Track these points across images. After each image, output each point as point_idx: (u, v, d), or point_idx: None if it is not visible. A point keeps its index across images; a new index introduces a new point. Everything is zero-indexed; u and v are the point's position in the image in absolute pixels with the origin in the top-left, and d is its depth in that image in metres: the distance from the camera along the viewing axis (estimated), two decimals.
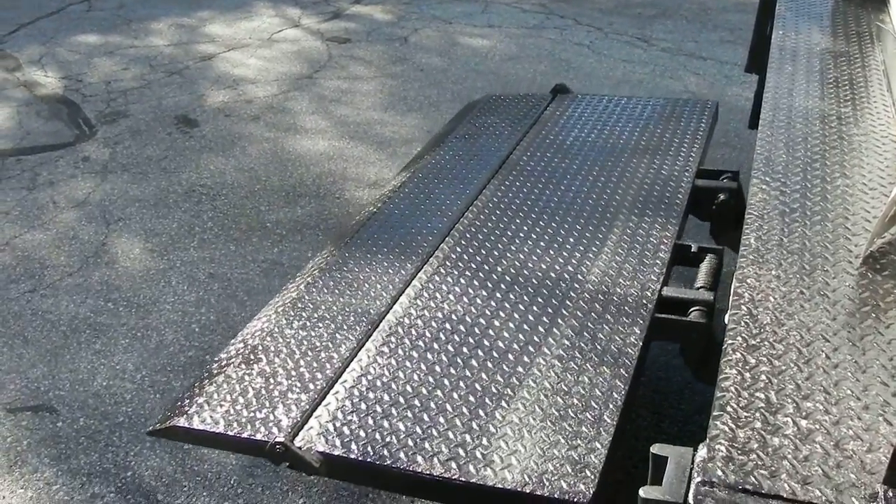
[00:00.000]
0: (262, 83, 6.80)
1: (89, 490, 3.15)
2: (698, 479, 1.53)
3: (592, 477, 2.04)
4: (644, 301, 2.68)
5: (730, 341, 1.88)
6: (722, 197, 3.34)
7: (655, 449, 1.65)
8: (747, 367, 1.79)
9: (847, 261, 2.15)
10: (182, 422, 2.37)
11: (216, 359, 2.72)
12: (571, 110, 4.15)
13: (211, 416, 2.37)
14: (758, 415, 1.66)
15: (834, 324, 1.92)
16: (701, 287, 2.73)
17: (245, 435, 2.28)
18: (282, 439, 2.20)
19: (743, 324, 1.93)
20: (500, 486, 2.05)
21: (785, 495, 1.48)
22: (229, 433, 2.31)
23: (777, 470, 1.53)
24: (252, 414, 2.35)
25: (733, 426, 1.64)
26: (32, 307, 4.19)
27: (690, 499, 1.50)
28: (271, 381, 2.48)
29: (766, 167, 2.63)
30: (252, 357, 2.60)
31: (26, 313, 4.15)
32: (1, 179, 5.39)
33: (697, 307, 2.63)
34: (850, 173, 2.57)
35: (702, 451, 1.59)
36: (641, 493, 1.54)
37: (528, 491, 2.03)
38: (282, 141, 5.87)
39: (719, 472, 1.53)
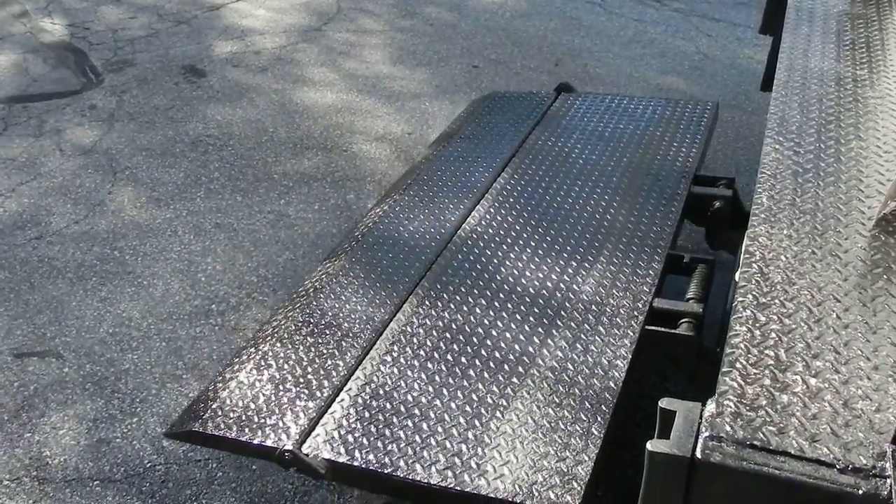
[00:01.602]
0: (271, 34, 6.74)
1: (95, 435, 3.17)
2: (706, 433, 1.53)
3: (579, 489, 2.17)
4: (635, 313, 2.77)
5: (740, 299, 1.87)
6: (717, 204, 3.38)
7: (664, 403, 1.66)
8: (757, 325, 1.79)
9: (860, 222, 2.14)
10: (197, 426, 2.51)
11: (229, 362, 2.85)
12: (573, 112, 4.17)
13: (224, 422, 2.50)
14: (767, 372, 1.66)
15: (845, 284, 1.92)
16: (691, 298, 2.80)
17: (256, 441, 2.42)
18: (290, 447, 2.34)
19: (754, 282, 1.92)
20: (492, 495, 2.18)
21: (793, 452, 1.49)
22: (241, 439, 2.44)
23: (785, 427, 1.54)
24: (262, 420, 2.48)
25: (742, 382, 1.64)
26: (39, 254, 4.19)
27: (698, 453, 1.51)
28: (280, 387, 2.61)
29: (779, 128, 2.61)
30: (263, 363, 2.73)
31: (33, 260, 4.15)
32: (7, 126, 5.37)
33: (686, 319, 2.68)
34: (865, 136, 2.55)
35: (710, 407, 1.60)
36: (649, 446, 1.55)
37: (518, 501, 2.16)
38: (289, 93, 5.83)
39: (727, 428, 1.53)
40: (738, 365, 1.68)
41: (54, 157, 5.04)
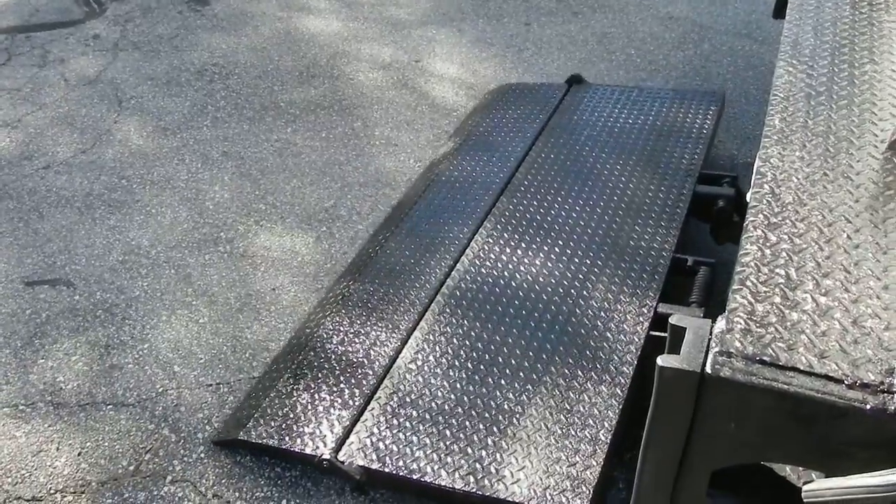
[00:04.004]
0: None
1: (107, 361, 3.21)
2: (716, 349, 1.54)
3: (588, 493, 2.37)
4: (640, 319, 2.90)
5: (751, 219, 1.87)
6: (721, 203, 3.42)
7: (674, 320, 1.66)
8: (768, 244, 1.79)
9: (873, 145, 2.12)
10: (242, 435, 2.75)
11: (267, 370, 3.10)
12: (583, 107, 4.19)
13: (266, 431, 2.73)
14: (777, 290, 1.67)
15: (856, 205, 1.91)
16: (693, 302, 2.89)
17: (296, 449, 2.65)
18: (328, 456, 2.57)
19: (765, 202, 1.91)
20: (510, 499, 2.39)
21: (802, 367, 1.50)
22: (283, 447, 2.67)
23: (794, 343, 1.54)
24: (301, 429, 2.71)
25: (752, 300, 1.64)
26: (47, 184, 4.19)
27: (708, 368, 1.52)
28: (315, 396, 2.82)
29: (792, 50, 2.57)
30: (298, 372, 2.95)
31: (41, 189, 4.15)
32: (11, 56, 5.32)
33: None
34: (879, 59, 2.51)
35: (720, 323, 1.60)
36: (659, 361, 1.55)
37: None
38: (294, 21, 5.76)
39: (737, 344, 1.54)
40: (748, 283, 1.68)
41: (59, 87, 5.01)
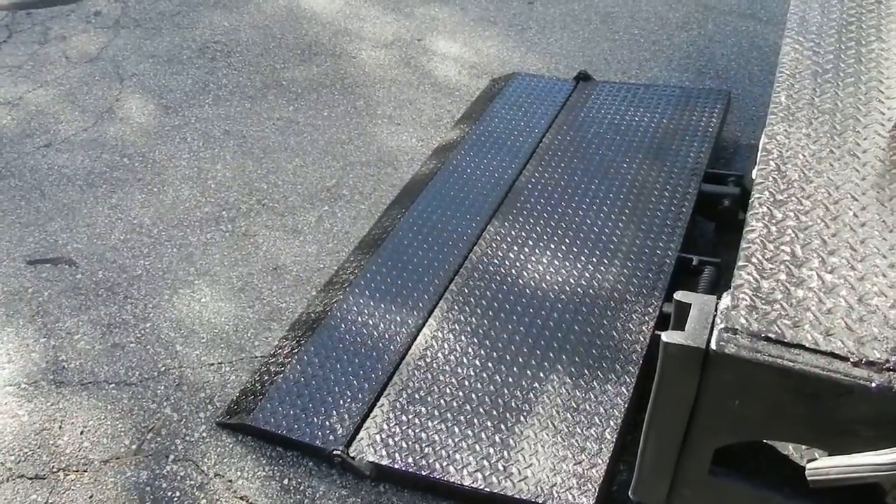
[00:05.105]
0: None
1: (110, 340, 3.20)
2: (721, 325, 1.53)
3: (594, 490, 2.39)
4: (646, 318, 2.92)
5: (757, 195, 1.86)
6: (726, 203, 3.44)
7: (679, 296, 1.65)
8: (774, 221, 1.78)
9: (879, 123, 2.10)
10: (250, 420, 2.75)
11: (273, 353, 3.09)
12: (590, 104, 4.18)
13: (274, 419, 2.73)
14: (783, 267, 1.66)
15: (863, 183, 1.89)
16: None
17: (306, 440, 2.66)
18: (339, 452, 2.57)
19: (771, 179, 1.90)
20: (517, 496, 2.41)
21: (807, 345, 1.49)
22: (293, 437, 2.68)
23: (800, 320, 1.54)
24: (311, 419, 2.71)
25: (758, 277, 1.63)
26: (48, 161, 4.18)
27: (713, 344, 1.51)
28: (324, 386, 2.82)
29: (799, 27, 2.55)
30: (306, 358, 2.94)
31: (42, 167, 4.13)
32: (12, 34, 5.30)
33: None
34: (887, 37, 2.49)
35: (726, 300, 1.59)
36: (664, 337, 1.55)
37: (539, 502, 2.39)
38: None
39: (742, 320, 1.53)
40: (753, 260, 1.67)
41: (60, 64, 4.98)
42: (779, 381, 1.48)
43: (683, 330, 1.55)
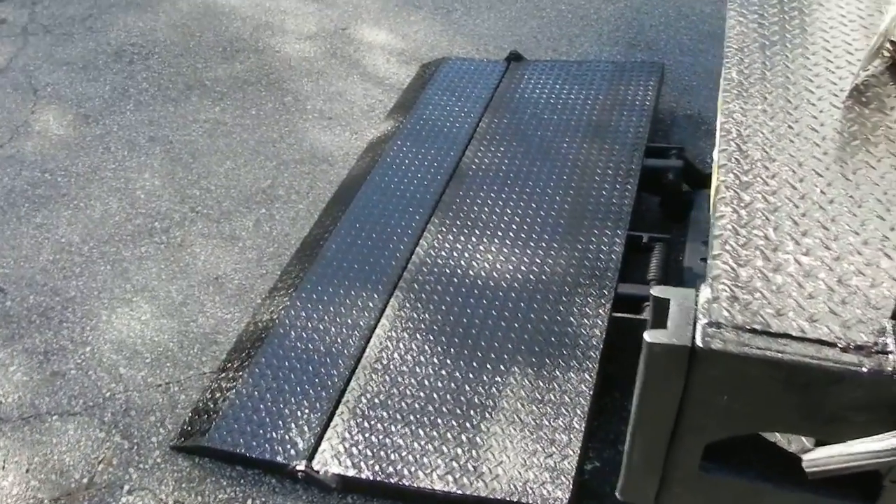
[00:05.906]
0: None
1: (48, 369, 3.05)
2: (704, 320, 1.48)
3: (568, 483, 2.35)
4: (602, 300, 2.88)
5: (722, 178, 1.81)
6: (670, 176, 3.42)
7: (656, 292, 1.59)
8: (742, 205, 1.73)
9: (833, 94, 2.07)
10: (205, 441, 2.63)
11: (223, 368, 2.97)
12: (524, 83, 4.11)
13: (231, 438, 2.61)
14: (758, 252, 1.61)
15: (825, 158, 1.86)
16: (652, 279, 2.89)
17: (267, 457, 2.54)
18: (301, 467, 2.47)
19: (734, 160, 1.85)
20: (491, 496, 2.35)
21: (794, 333, 1.44)
22: (252, 455, 2.56)
23: (783, 308, 1.49)
24: (270, 435, 2.60)
25: (735, 265, 1.58)
26: None
27: (698, 341, 1.45)
28: (279, 399, 2.71)
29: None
30: (257, 371, 2.82)
31: None
32: None
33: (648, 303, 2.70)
34: (828, 4, 2.46)
35: (705, 292, 1.54)
36: (647, 337, 1.48)
37: (514, 500, 2.33)
38: None
39: (725, 313, 1.48)
40: (727, 247, 1.62)
41: None
42: (768, 373, 1.44)
43: (664, 327, 1.49)
